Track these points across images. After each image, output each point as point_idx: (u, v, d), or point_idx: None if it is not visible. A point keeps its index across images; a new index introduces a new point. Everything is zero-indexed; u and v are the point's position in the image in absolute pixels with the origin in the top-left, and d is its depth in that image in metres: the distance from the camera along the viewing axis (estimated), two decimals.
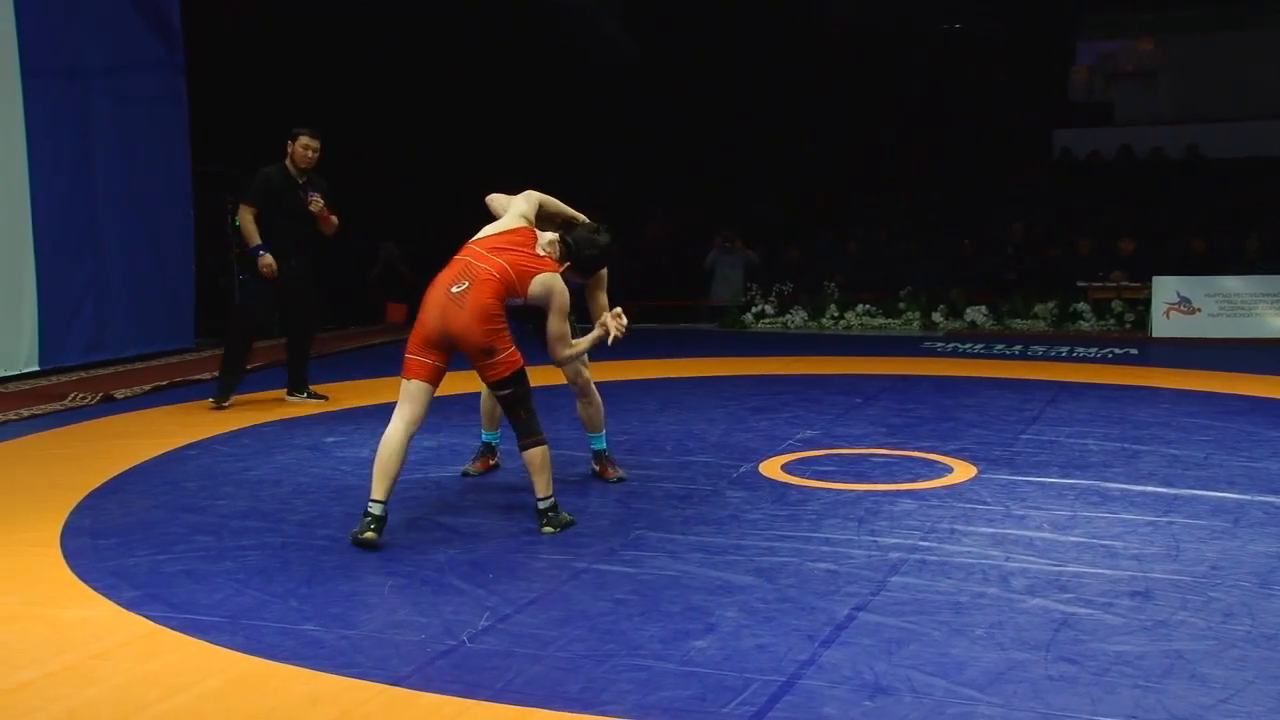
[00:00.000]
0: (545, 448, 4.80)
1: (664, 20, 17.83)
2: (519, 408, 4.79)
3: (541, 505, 4.82)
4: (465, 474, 5.81)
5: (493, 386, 4.90)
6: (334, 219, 7.78)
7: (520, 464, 5.93)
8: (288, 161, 7.59)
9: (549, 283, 4.81)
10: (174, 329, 10.47)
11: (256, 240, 7.55)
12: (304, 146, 7.55)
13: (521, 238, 4.93)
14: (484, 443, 5.87)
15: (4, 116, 8.90)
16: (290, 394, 7.95)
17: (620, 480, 5.60)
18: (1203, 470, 5.70)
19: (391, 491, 4.65)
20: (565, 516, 4.87)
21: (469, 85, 16.15)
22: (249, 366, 8.22)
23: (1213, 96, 17.90)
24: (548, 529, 4.77)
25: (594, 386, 5.55)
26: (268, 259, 7.51)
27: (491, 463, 5.87)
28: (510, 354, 4.76)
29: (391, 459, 4.63)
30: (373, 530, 4.56)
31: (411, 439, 4.74)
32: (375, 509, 4.59)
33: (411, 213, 15.15)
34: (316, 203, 7.59)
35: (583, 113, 16.97)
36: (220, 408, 7.65)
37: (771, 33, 18.12)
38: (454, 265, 4.84)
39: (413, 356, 4.76)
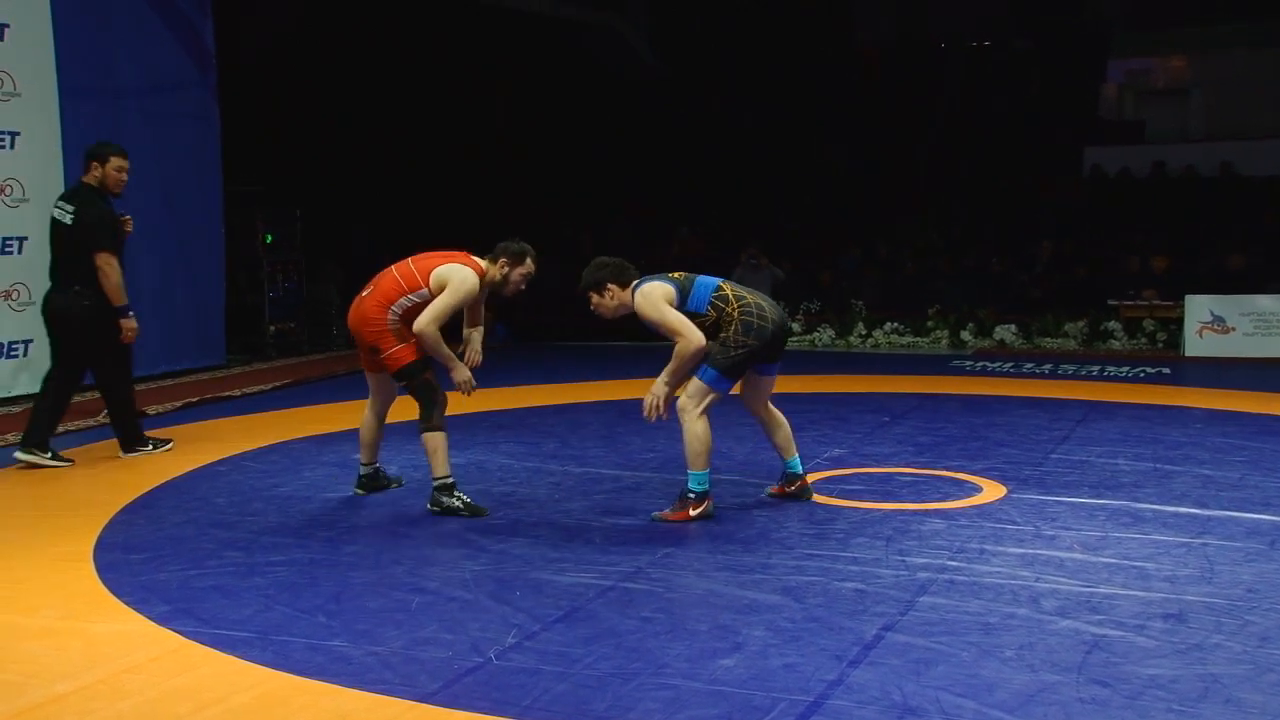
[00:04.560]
0: (442, 434, 5.37)
1: (692, 37, 17.91)
2: (416, 397, 5.43)
3: (435, 484, 5.40)
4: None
5: (392, 379, 5.55)
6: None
7: (547, 482, 5.95)
8: (98, 185, 6.61)
9: (451, 271, 5.34)
10: (205, 346, 10.56)
11: (125, 297, 6.58)
12: (119, 169, 6.65)
13: (460, 253, 5.52)
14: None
15: (42, 135, 9.04)
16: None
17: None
18: (1237, 491, 5.63)
19: (374, 456, 5.79)
20: (453, 503, 5.31)
21: (496, 104, 16.26)
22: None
23: (1245, 113, 17.78)
24: (433, 508, 5.35)
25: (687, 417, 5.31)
26: (134, 323, 6.67)
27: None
28: (395, 351, 5.39)
29: (366, 432, 5.75)
30: (359, 487, 5.76)
31: (381, 414, 5.71)
32: (361, 469, 5.81)
33: (439, 231, 15.24)
34: (130, 222, 6.76)
35: (611, 129, 17.05)
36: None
37: (801, 51, 18.15)
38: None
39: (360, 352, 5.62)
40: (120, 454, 6.88)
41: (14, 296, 8.93)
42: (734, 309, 5.17)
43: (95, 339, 6.62)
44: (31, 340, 8.97)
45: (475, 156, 15.67)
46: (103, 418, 8.01)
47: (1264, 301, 11.28)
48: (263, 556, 4.74)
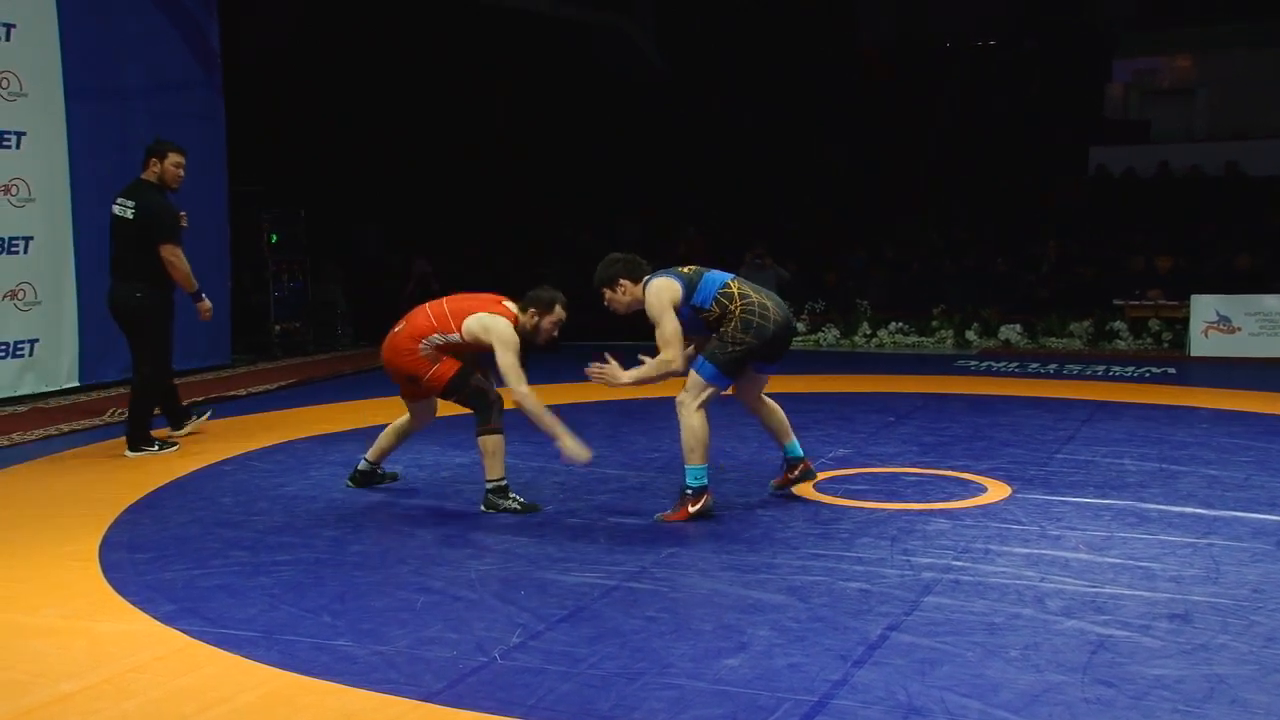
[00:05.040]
0: (499, 436, 5.45)
1: (698, 39, 17.91)
2: (469, 405, 5.52)
3: (488, 486, 5.44)
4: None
5: (442, 397, 5.65)
6: None
7: (551, 482, 5.97)
8: (156, 181, 6.86)
9: (485, 322, 5.41)
10: (210, 346, 10.58)
11: (195, 283, 6.92)
12: (176, 165, 6.89)
13: (492, 297, 5.62)
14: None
15: (48, 137, 9.06)
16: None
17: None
18: (1243, 491, 5.62)
19: (380, 459, 5.92)
20: (509, 504, 5.37)
21: (502, 105, 16.27)
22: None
23: (1251, 113, 17.75)
24: (486, 509, 5.40)
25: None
26: (209, 304, 7.08)
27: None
28: (434, 373, 5.49)
29: (389, 437, 5.90)
30: (351, 480, 5.92)
31: (411, 433, 5.90)
32: (361, 464, 5.93)
33: (445, 230, 15.27)
34: (186, 217, 7.01)
35: (616, 130, 17.05)
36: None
37: (806, 51, 18.15)
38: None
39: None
40: (171, 433, 7.20)
41: (19, 296, 8.95)
42: (736, 306, 5.19)
43: (151, 329, 6.87)
44: (37, 340, 9.00)
45: (476, 156, 15.68)
46: (109, 416, 8.03)
47: (1270, 301, 11.26)
48: (268, 556, 4.74)
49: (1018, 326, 12.27)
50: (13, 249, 8.93)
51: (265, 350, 11.73)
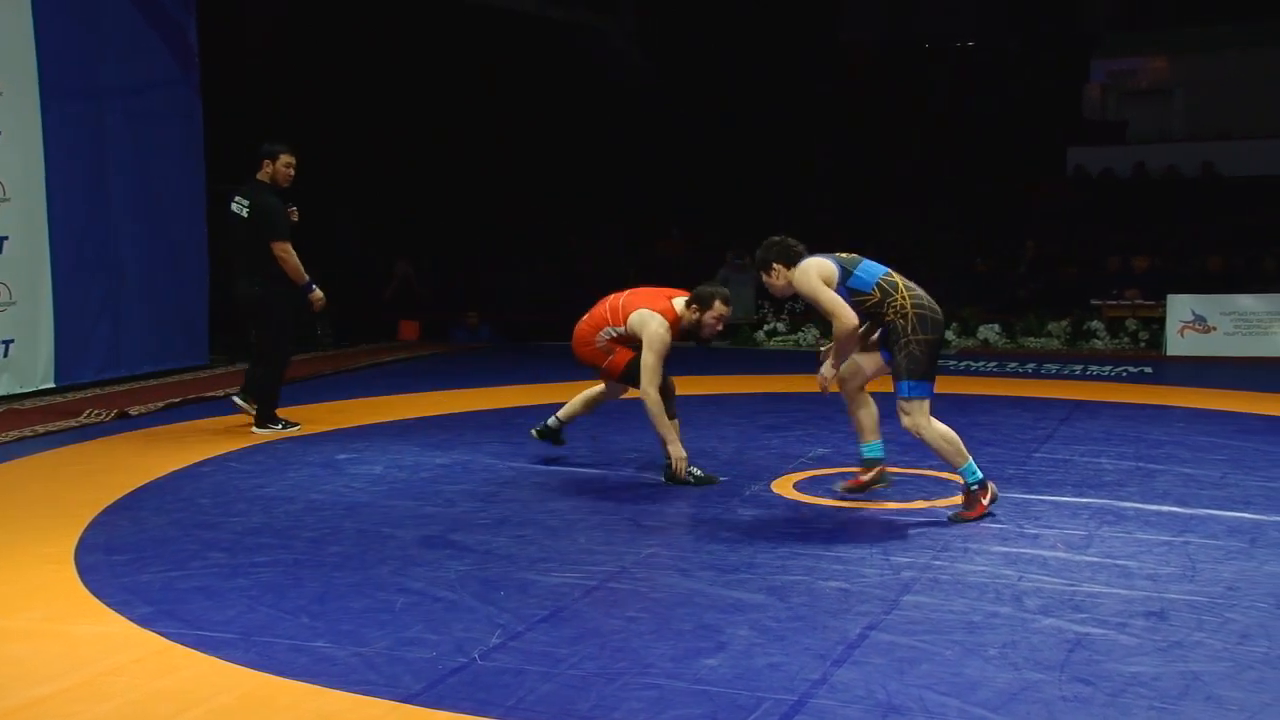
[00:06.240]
0: (673, 421, 5.86)
1: (680, 40, 17.91)
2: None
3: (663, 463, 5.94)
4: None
5: (620, 382, 6.06)
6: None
7: (531, 482, 5.98)
8: (269, 181, 7.37)
9: (643, 318, 5.78)
10: (189, 346, 10.51)
11: (306, 275, 7.36)
12: (287, 165, 7.37)
13: (665, 291, 5.97)
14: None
15: (23, 135, 8.98)
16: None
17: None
18: (1219, 490, 5.66)
19: (570, 419, 6.34)
20: (684, 477, 5.79)
21: (484, 105, 16.23)
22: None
23: (1227, 114, 17.89)
24: (666, 481, 5.88)
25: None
26: (321, 294, 7.46)
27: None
28: (611, 363, 5.94)
29: (583, 401, 6.33)
30: (537, 430, 6.41)
31: (595, 398, 6.29)
32: (551, 420, 6.36)
33: (427, 231, 15.23)
34: (296, 212, 7.46)
35: (598, 131, 17.04)
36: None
37: (788, 52, 18.18)
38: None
39: None
40: (252, 429, 7.45)
41: None
42: (905, 299, 5.08)
43: (268, 320, 7.41)
44: (12, 340, 8.92)
45: (459, 157, 15.65)
46: (86, 418, 7.98)
47: (1245, 301, 11.35)
48: (246, 557, 4.72)
49: (996, 326, 12.32)
50: None
51: (243, 350, 11.66)
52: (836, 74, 19.00)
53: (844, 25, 19.67)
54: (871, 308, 5.13)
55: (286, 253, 7.23)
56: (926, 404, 5.10)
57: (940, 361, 5.37)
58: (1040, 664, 3.48)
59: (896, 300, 5.11)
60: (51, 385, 9.19)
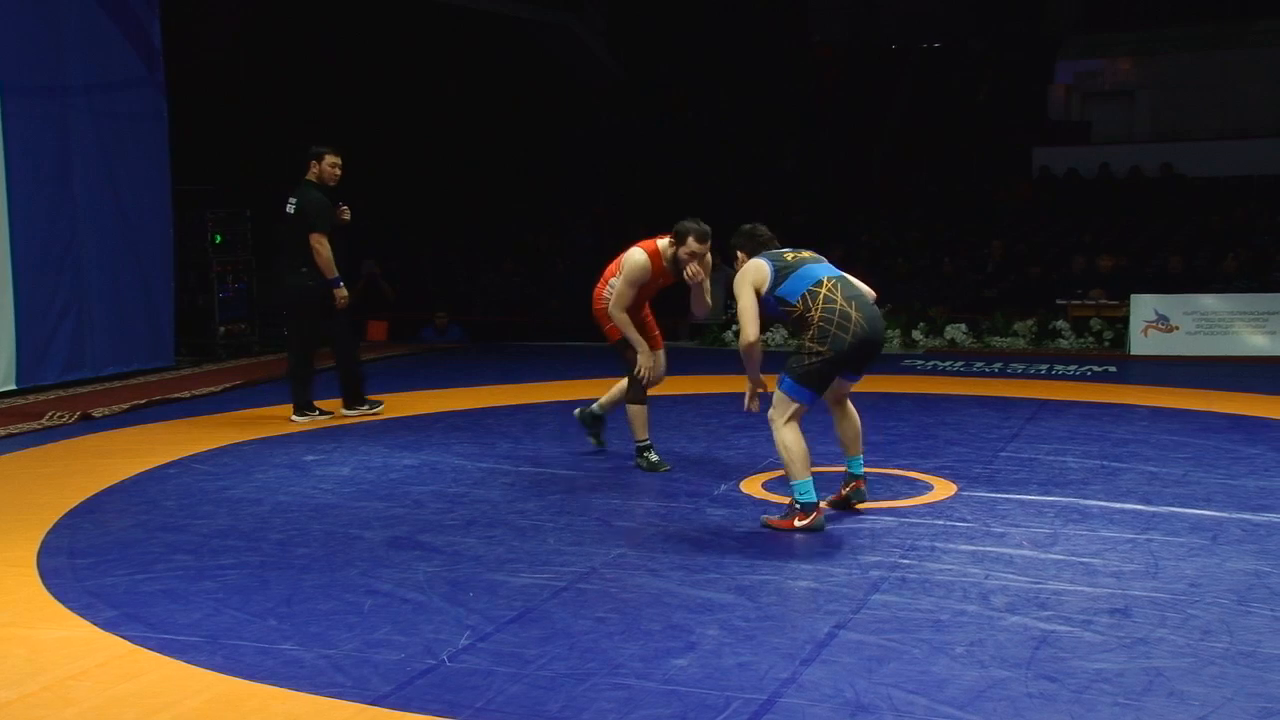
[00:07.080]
0: (640, 407, 6.12)
1: (649, 39, 17.93)
2: (626, 370, 6.15)
3: (636, 445, 6.20)
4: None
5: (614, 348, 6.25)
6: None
7: (500, 483, 5.97)
8: (316, 180, 7.68)
9: (629, 254, 5.97)
10: (154, 348, 10.40)
11: (335, 271, 7.60)
12: (333, 165, 7.70)
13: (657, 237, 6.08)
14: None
15: None
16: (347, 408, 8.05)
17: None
18: (1181, 487, 5.73)
19: (612, 409, 6.54)
20: (639, 460, 6.09)
21: (451, 104, 16.18)
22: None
23: (1189, 116, 18.13)
24: (636, 464, 6.17)
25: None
26: (345, 292, 7.68)
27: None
28: (610, 328, 6.11)
29: (615, 390, 6.44)
30: (580, 411, 6.68)
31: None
32: (596, 407, 6.58)
33: (393, 232, 15.15)
34: (348, 210, 7.80)
35: (566, 130, 17.02)
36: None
37: (756, 52, 18.24)
38: None
39: None
40: (343, 410, 7.94)
41: None
42: (816, 312, 4.94)
43: (323, 311, 7.70)
44: None
45: (428, 156, 15.59)
46: (48, 420, 7.89)
47: (1207, 301, 11.49)
48: (212, 560, 4.68)
49: (963, 326, 12.39)
50: None
51: (210, 352, 11.57)
52: (805, 74, 19.09)
53: (812, 26, 19.78)
54: (794, 319, 5.08)
55: (321, 244, 7.52)
56: (794, 408, 4.98)
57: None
58: (1006, 661, 3.51)
59: (810, 313, 4.98)
60: (13, 387, 9.07)
